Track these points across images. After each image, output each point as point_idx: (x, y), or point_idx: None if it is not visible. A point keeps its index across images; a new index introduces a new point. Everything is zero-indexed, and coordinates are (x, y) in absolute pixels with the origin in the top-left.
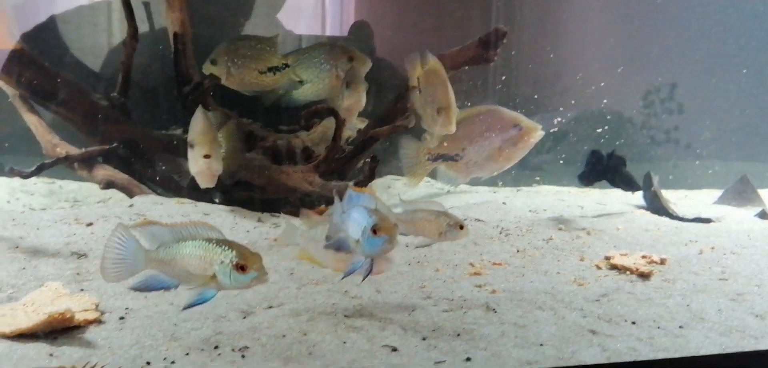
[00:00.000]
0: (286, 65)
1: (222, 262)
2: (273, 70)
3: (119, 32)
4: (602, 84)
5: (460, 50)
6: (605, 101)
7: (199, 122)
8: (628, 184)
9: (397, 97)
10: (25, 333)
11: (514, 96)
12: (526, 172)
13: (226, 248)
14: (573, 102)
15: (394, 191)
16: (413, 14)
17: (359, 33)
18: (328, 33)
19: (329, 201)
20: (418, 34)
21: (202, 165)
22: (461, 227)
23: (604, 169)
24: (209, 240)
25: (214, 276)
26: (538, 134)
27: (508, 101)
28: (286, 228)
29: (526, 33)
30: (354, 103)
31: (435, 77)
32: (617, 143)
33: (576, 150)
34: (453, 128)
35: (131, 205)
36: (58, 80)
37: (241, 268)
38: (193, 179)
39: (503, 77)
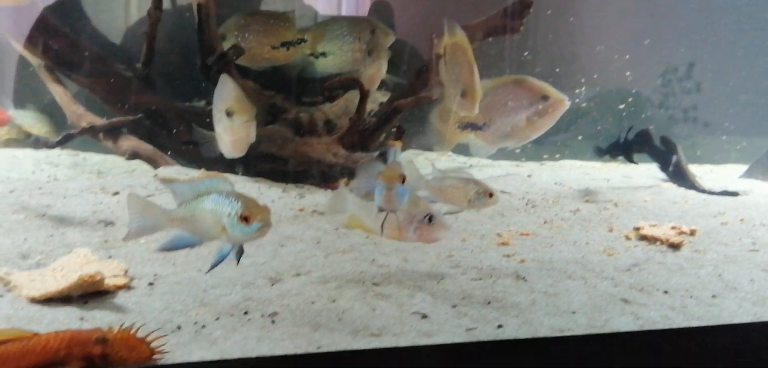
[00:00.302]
0: (302, 40)
1: (229, 215)
2: (287, 45)
3: (137, 3)
4: (627, 56)
5: (484, 21)
6: (628, 75)
7: (233, 89)
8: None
9: (419, 70)
10: (55, 296)
11: (534, 71)
12: (545, 146)
13: (234, 200)
14: (595, 76)
15: (416, 165)
16: None
17: (380, 13)
18: (345, 12)
19: (352, 174)
20: (438, 14)
21: (241, 132)
22: (490, 195)
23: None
24: (219, 194)
25: (224, 229)
26: (565, 105)
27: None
28: (336, 194)
29: (548, 6)
30: (376, 71)
31: (462, 55)
32: (643, 117)
33: (596, 126)
34: (475, 111)
35: (155, 175)
36: (83, 51)
37: (244, 219)
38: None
39: (526, 53)
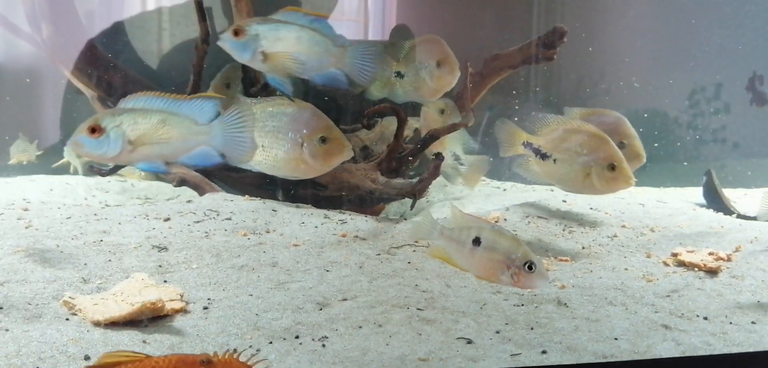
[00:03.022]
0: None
1: None
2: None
3: (170, 36)
4: (658, 84)
5: (519, 49)
6: (650, 100)
7: (322, 117)
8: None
9: (455, 96)
10: (118, 321)
11: (557, 93)
12: None
13: None
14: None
15: (449, 191)
16: (454, 18)
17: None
18: (370, 36)
19: (390, 200)
20: (458, 37)
21: (339, 158)
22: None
23: None
24: None
25: None
26: (631, 185)
27: (551, 98)
28: (423, 221)
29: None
30: (446, 82)
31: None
32: (665, 141)
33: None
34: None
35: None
36: (135, 82)
37: None
38: (260, 176)
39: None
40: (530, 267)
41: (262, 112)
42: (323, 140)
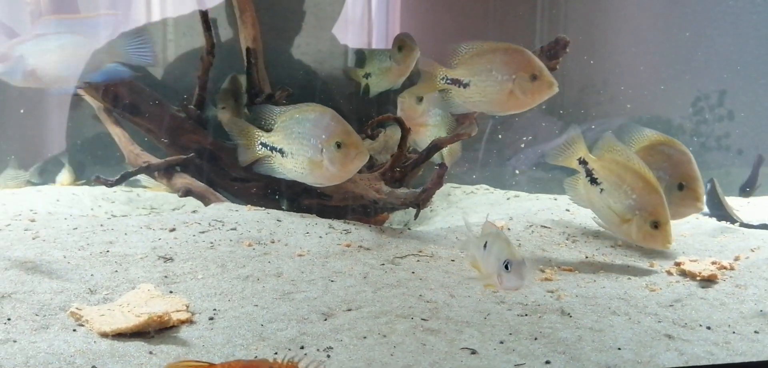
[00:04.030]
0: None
1: None
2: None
3: (175, 46)
4: (662, 87)
5: None
6: (653, 106)
7: (340, 122)
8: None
9: None
10: (125, 332)
11: (560, 102)
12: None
13: None
14: (628, 106)
15: (453, 199)
16: (457, 27)
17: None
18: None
19: (394, 209)
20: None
21: (356, 165)
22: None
23: None
24: None
25: None
26: (553, 91)
27: (555, 107)
28: (467, 239)
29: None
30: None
31: None
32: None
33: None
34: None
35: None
36: (142, 94)
37: None
38: (262, 186)
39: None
40: (507, 267)
41: (290, 118)
42: (338, 145)
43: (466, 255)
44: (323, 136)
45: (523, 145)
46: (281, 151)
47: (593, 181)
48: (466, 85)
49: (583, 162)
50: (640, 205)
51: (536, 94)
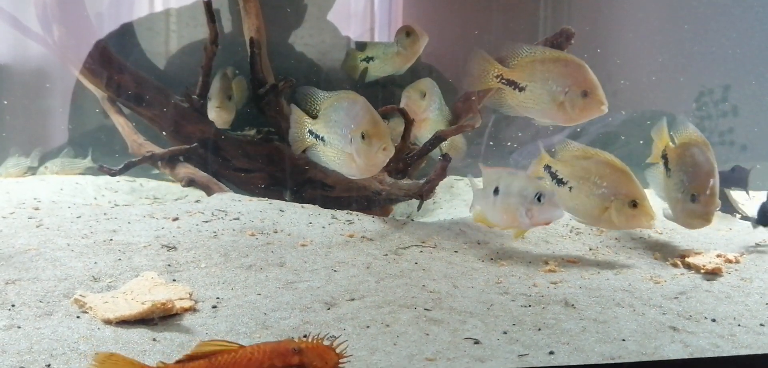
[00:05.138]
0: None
1: None
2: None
3: (178, 37)
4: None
5: None
6: (657, 101)
7: (369, 111)
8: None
9: (462, 97)
10: (129, 320)
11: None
12: None
13: None
14: (625, 105)
15: (456, 191)
16: (460, 19)
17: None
18: (376, 38)
19: (397, 201)
20: (464, 38)
21: (381, 158)
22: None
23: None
24: None
25: None
26: (601, 111)
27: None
28: (475, 195)
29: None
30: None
31: None
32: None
33: (625, 151)
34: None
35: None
36: (146, 84)
37: None
38: (266, 177)
39: None
40: (540, 199)
41: (330, 105)
42: (363, 136)
43: (473, 212)
44: (352, 125)
45: (520, 135)
46: (322, 139)
47: (559, 182)
48: (522, 89)
49: (547, 167)
50: (613, 190)
51: (585, 111)
